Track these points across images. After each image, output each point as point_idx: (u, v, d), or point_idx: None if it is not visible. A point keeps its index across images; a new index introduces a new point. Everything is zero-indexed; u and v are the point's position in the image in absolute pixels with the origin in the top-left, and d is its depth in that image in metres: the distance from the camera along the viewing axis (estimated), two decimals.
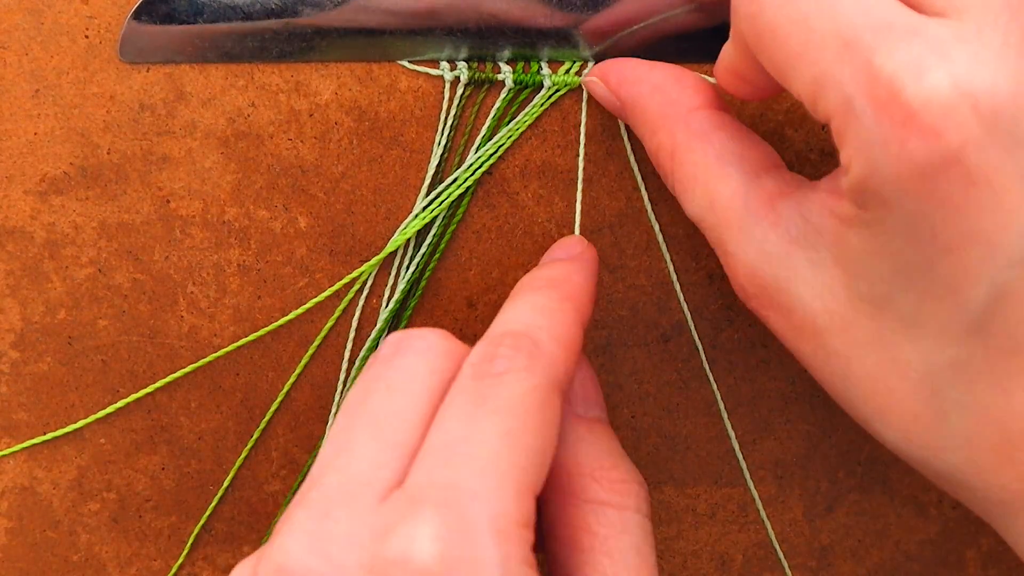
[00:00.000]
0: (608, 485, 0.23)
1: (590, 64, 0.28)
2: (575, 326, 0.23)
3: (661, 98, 0.25)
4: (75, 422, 0.29)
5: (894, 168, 0.18)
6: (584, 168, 0.28)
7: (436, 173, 0.28)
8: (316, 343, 0.29)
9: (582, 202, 0.29)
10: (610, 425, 0.25)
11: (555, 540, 0.23)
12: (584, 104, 0.28)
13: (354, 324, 0.29)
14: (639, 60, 0.26)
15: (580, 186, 0.28)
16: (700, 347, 0.29)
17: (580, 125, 0.28)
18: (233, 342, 0.29)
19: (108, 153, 0.28)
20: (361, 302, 0.29)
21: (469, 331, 0.29)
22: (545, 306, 0.23)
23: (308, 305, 0.29)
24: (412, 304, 0.29)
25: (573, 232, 0.29)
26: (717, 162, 0.23)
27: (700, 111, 0.24)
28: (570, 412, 0.24)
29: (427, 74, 0.28)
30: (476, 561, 0.19)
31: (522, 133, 0.28)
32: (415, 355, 0.22)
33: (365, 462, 0.21)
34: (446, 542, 0.19)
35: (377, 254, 0.29)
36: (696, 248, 0.29)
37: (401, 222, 0.28)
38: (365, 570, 0.19)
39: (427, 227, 0.29)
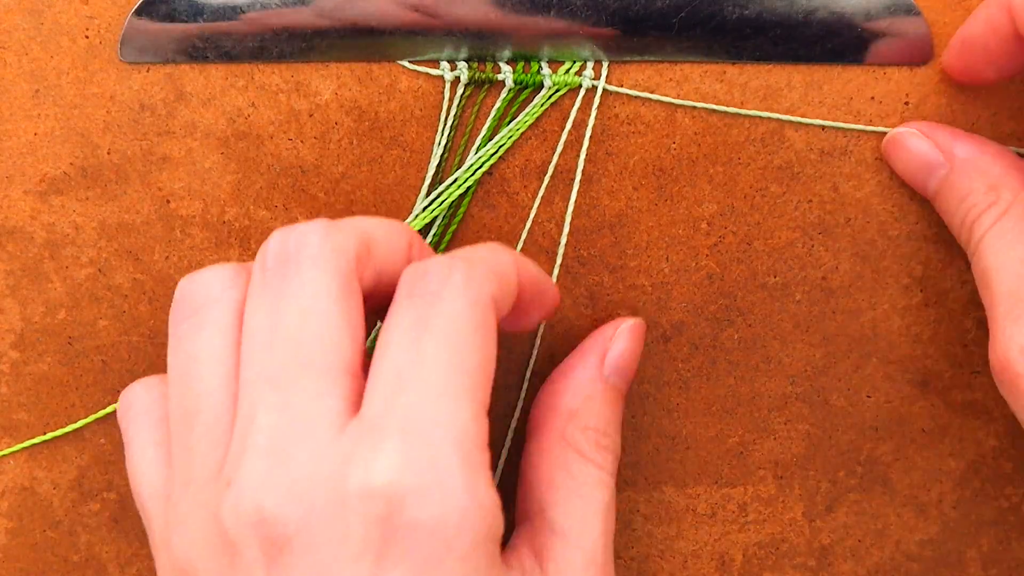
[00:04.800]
0: (595, 443, 0.24)
1: (590, 64, 0.28)
2: (510, 263, 0.23)
3: (1007, 161, 0.25)
4: (75, 422, 0.29)
5: None
6: (584, 168, 0.28)
7: (436, 173, 0.28)
8: None
9: (582, 202, 0.29)
10: (623, 399, 0.26)
11: (532, 468, 0.24)
12: (579, 102, 0.28)
13: None
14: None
15: (576, 187, 0.28)
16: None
17: (568, 122, 0.28)
18: None
19: (108, 153, 0.28)
20: None
21: None
22: (478, 247, 0.23)
23: None
24: None
25: (571, 232, 0.29)
26: None
27: None
28: (598, 370, 0.25)
29: (427, 74, 0.28)
30: (444, 486, 0.19)
31: (522, 133, 0.28)
32: (312, 267, 0.21)
33: (306, 395, 0.20)
34: (413, 470, 0.19)
35: None
36: (696, 248, 0.29)
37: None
38: (335, 504, 0.19)
39: (427, 227, 0.29)
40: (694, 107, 0.28)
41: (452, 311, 0.20)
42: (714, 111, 0.28)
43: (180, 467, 0.22)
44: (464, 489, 0.19)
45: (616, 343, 0.26)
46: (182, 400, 0.22)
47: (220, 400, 0.21)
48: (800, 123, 0.28)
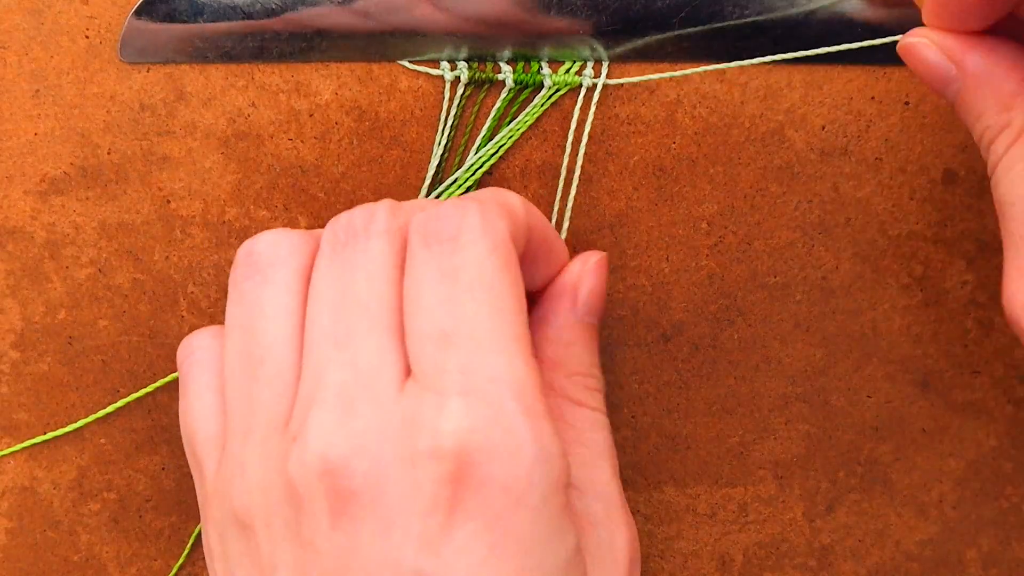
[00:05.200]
0: (584, 386, 0.24)
1: (589, 64, 0.28)
2: (519, 203, 0.23)
3: (1022, 76, 0.23)
4: (75, 422, 0.29)
5: None
6: (584, 168, 0.28)
7: (436, 173, 0.28)
8: None
9: (582, 202, 0.29)
10: (598, 333, 0.25)
11: None
12: (580, 102, 0.28)
13: None
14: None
15: (575, 187, 0.28)
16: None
17: (573, 121, 0.28)
18: None
19: (108, 153, 0.28)
20: None
21: None
22: (483, 190, 0.24)
23: None
24: None
25: (564, 230, 0.29)
26: None
27: None
28: (573, 313, 0.25)
29: (427, 74, 0.28)
30: (511, 440, 0.19)
31: (522, 133, 0.28)
32: (378, 239, 0.22)
33: (371, 353, 0.21)
34: (480, 428, 0.19)
35: None
36: (696, 248, 0.29)
37: None
38: (402, 462, 0.19)
39: None
40: (694, 107, 0.28)
41: (476, 257, 0.21)
42: (714, 111, 0.28)
43: (239, 416, 0.22)
44: (531, 441, 0.19)
45: (585, 282, 0.25)
46: (245, 349, 0.22)
47: (285, 354, 0.22)
48: (800, 123, 0.28)
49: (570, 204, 0.29)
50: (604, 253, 0.26)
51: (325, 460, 0.19)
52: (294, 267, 0.23)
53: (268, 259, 0.23)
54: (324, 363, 0.21)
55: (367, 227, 0.22)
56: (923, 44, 0.24)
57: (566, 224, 0.29)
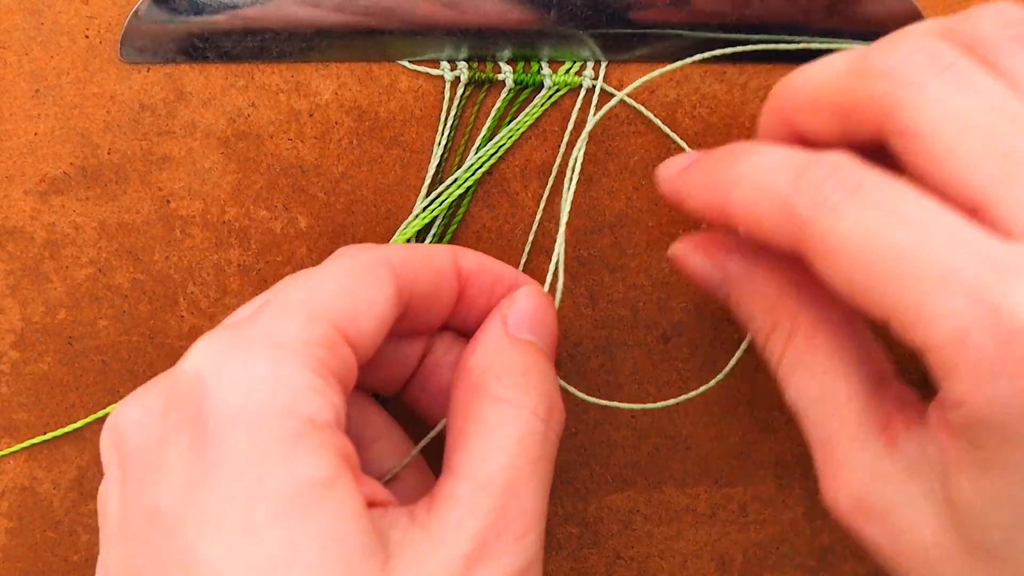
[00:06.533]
0: (509, 383, 0.22)
1: (589, 64, 0.28)
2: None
3: (783, 277, 0.23)
4: (75, 422, 0.29)
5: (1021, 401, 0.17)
6: (584, 168, 0.28)
7: (436, 173, 0.28)
8: None
9: (582, 202, 0.29)
10: (547, 356, 0.24)
11: (450, 434, 0.23)
12: (579, 102, 0.28)
13: None
14: (741, 239, 0.24)
15: (573, 187, 0.28)
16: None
17: (570, 122, 0.28)
18: None
19: (108, 153, 0.28)
20: None
21: None
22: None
23: None
24: None
25: (561, 230, 0.29)
26: (840, 358, 0.22)
27: (828, 298, 0.22)
28: (503, 329, 0.24)
29: (427, 74, 0.28)
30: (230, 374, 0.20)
31: (522, 133, 0.28)
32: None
33: None
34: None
35: None
36: None
37: (401, 222, 0.28)
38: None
39: (427, 227, 0.29)
40: (694, 107, 0.28)
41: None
42: (714, 111, 0.28)
43: None
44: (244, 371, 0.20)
45: (514, 304, 0.24)
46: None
47: None
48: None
49: (567, 205, 0.29)
50: (535, 284, 0.26)
51: None
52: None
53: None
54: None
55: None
56: (688, 253, 0.24)
57: (562, 225, 0.29)
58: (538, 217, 0.29)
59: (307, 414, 0.19)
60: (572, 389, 0.29)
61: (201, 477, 0.19)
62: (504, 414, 0.22)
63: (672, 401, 0.30)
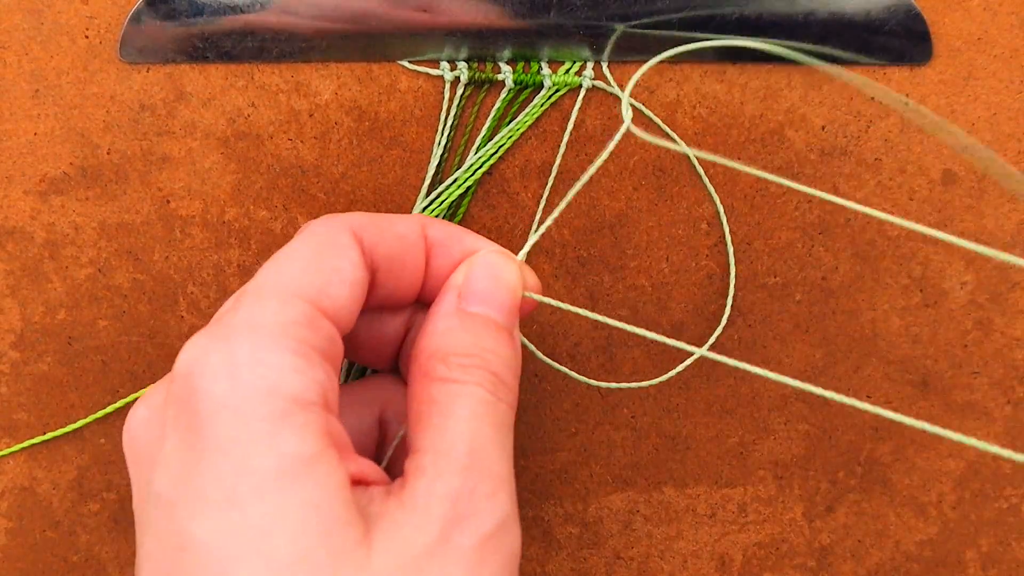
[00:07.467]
0: (454, 364, 0.23)
1: (589, 64, 0.28)
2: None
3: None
4: (75, 422, 0.29)
5: None
6: (584, 168, 0.28)
7: (436, 173, 0.28)
8: None
9: (582, 202, 0.29)
10: (498, 325, 0.24)
11: (410, 417, 0.23)
12: (579, 102, 0.28)
13: None
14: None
15: (561, 183, 0.29)
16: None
17: (569, 122, 0.28)
18: None
19: (108, 153, 0.28)
20: None
21: None
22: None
23: None
24: None
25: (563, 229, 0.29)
26: None
27: None
28: (454, 304, 0.24)
29: (427, 74, 0.28)
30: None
31: (522, 133, 0.28)
32: None
33: None
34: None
35: None
36: (696, 248, 0.29)
37: None
38: None
39: None
40: (694, 107, 0.28)
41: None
42: (714, 111, 0.28)
43: None
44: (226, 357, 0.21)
45: (467, 273, 0.24)
46: None
47: None
48: (800, 123, 0.28)
49: (563, 206, 0.29)
50: (498, 248, 0.25)
51: None
52: None
53: None
54: None
55: None
56: None
57: (557, 221, 0.29)
58: (538, 217, 0.29)
59: (290, 393, 0.20)
60: (542, 356, 0.29)
61: (194, 462, 0.20)
62: (452, 391, 0.23)
63: (641, 383, 0.30)
